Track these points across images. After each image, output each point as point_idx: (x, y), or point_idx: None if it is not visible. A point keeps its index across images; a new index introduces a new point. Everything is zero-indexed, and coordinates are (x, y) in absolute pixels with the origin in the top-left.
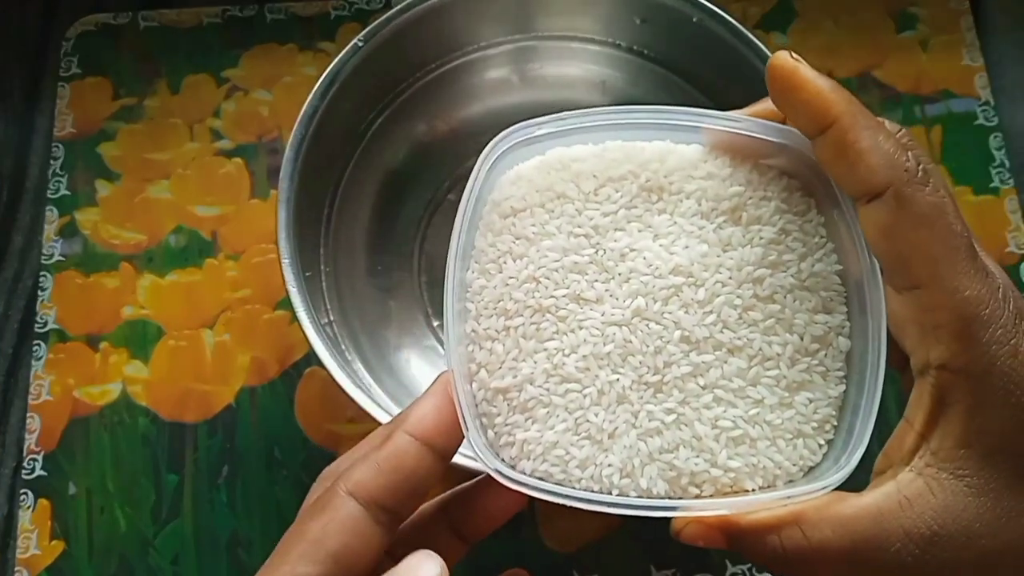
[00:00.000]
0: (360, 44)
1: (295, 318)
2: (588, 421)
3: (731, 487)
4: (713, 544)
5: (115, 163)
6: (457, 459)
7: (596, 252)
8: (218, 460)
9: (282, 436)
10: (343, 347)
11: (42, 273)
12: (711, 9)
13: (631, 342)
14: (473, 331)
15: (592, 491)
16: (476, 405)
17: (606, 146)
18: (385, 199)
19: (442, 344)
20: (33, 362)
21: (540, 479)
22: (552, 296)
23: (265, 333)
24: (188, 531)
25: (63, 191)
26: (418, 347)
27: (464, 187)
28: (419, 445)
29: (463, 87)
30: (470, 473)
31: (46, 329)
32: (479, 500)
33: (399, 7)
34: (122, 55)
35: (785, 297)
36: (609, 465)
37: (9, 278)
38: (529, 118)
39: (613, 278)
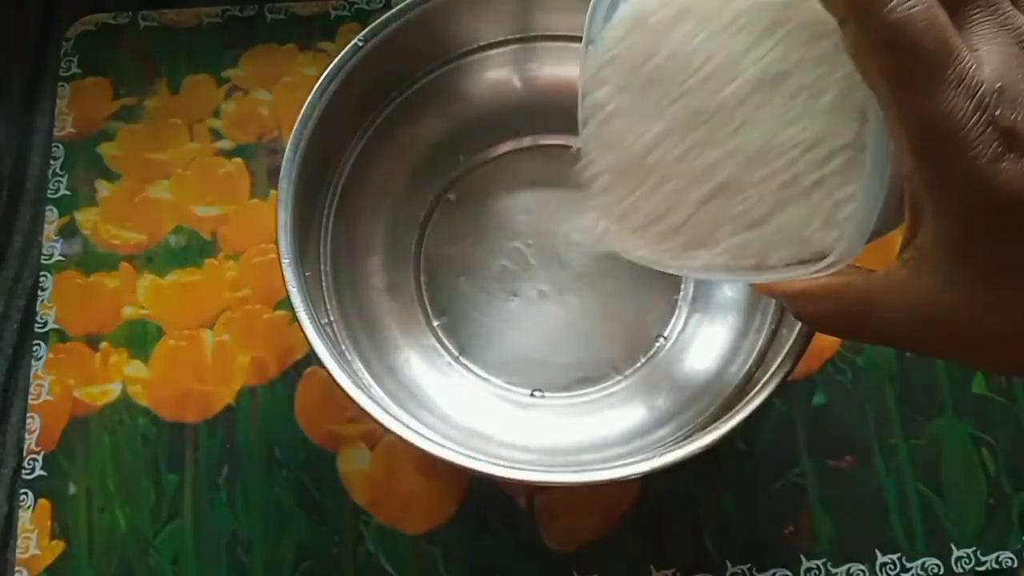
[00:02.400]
0: (360, 44)
1: (295, 318)
2: None
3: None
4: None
5: (115, 163)
6: (454, 458)
7: None
8: (218, 460)
9: (282, 436)
10: (343, 347)
11: (42, 273)
12: None
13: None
14: None
15: None
16: None
17: None
18: (385, 199)
19: (442, 344)
20: (33, 362)
21: None
22: None
23: (265, 333)
24: (188, 531)
25: (63, 191)
26: (418, 347)
27: (464, 187)
28: None
29: (463, 87)
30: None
31: (46, 329)
32: None
33: (399, 7)
34: (122, 55)
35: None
36: None
37: (9, 278)
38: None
39: None
